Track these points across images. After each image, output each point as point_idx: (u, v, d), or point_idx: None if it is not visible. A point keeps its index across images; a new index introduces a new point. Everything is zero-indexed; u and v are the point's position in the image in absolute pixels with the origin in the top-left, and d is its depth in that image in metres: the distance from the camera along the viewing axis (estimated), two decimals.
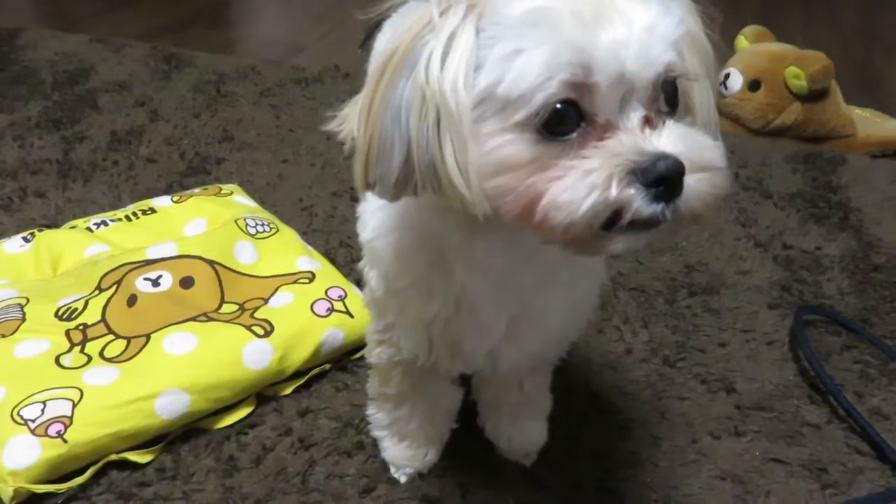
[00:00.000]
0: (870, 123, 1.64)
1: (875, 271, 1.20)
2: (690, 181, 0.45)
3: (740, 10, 2.34)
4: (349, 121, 0.52)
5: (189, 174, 1.38)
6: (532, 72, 0.44)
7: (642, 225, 0.45)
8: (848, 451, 0.89)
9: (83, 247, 1.02)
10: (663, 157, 0.44)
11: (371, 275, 0.67)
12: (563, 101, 0.44)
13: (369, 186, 0.50)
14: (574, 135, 0.45)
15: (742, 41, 1.72)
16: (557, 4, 0.45)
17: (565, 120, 0.45)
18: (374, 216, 0.65)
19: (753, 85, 1.60)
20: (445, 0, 0.47)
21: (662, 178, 0.44)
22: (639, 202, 0.44)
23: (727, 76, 1.65)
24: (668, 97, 0.48)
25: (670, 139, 0.46)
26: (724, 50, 0.53)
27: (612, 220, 0.45)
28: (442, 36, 0.46)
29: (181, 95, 1.68)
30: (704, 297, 1.13)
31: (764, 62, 1.61)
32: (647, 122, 0.46)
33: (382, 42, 0.91)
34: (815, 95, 1.55)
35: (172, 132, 1.53)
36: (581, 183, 0.44)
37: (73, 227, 1.07)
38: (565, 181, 0.44)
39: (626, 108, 0.46)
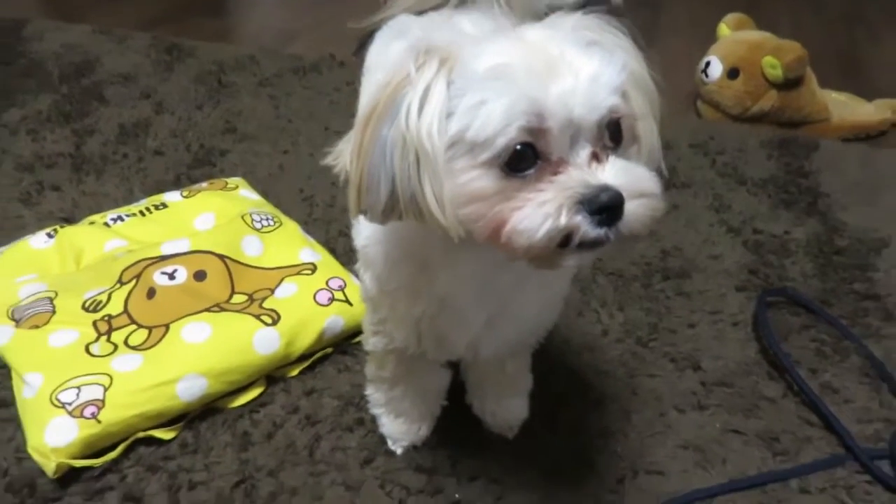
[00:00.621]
0: (843, 107, 1.72)
1: (837, 254, 1.28)
2: (630, 206, 0.54)
3: None
4: (343, 157, 0.61)
5: (195, 166, 1.46)
6: (494, 120, 0.52)
7: (590, 244, 0.54)
8: (799, 423, 0.99)
9: (102, 241, 1.11)
10: (605, 188, 0.53)
11: (365, 276, 0.76)
12: (521, 144, 0.53)
13: (361, 212, 0.59)
14: (531, 171, 0.54)
15: (723, 29, 1.79)
16: (515, 61, 0.53)
17: (524, 159, 0.53)
18: (367, 226, 0.73)
19: (732, 73, 1.67)
20: (422, 55, 0.55)
21: (605, 207, 0.53)
22: (585, 227, 0.53)
23: (707, 64, 1.72)
24: (612, 134, 0.56)
25: (612, 172, 0.54)
26: (666, 89, 0.61)
27: (565, 241, 0.54)
28: (418, 89, 0.54)
29: (184, 87, 1.75)
30: (677, 281, 1.22)
31: (742, 51, 1.67)
32: (595, 156, 0.55)
33: (371, 51, 0.99)
34: (790, 83, 1.62)
35: (177, 124, 1.60)
36: (537, 212, 0.52)
37: (91, 223, 1.16)
38: (524, 211, 0.53)
39: (576, 146, 0.54)
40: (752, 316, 1.15)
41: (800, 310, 1.17)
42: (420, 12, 0.97)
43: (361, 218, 0.74)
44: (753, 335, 1.12)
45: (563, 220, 0.52)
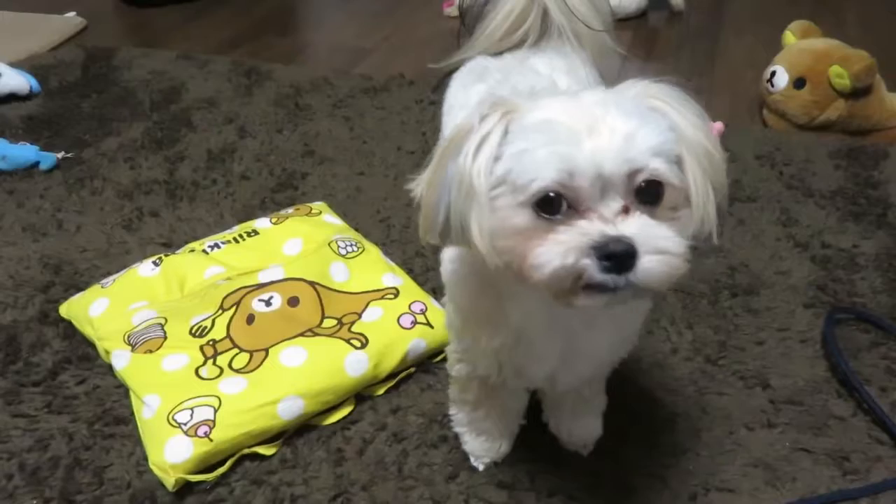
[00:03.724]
0: None
1: None
2: (644, 261, 0.58)
3: None
4: (421, 185, 0.69)
5: (279, 190, 1.55)
6: (531, 167, 0.59)
7: (599, 289, 0.59)
8: (869, 441, 1.01)
9: (202, 268, 1.21)
10: (618, 239, 0.58)
11: (450, 307, 0.84)
12: (552, 192, 0.59)
13: (424, 233, 0.67)
14: (559, 215, 0.60)
15: (789, 37, 1.79)
16: (561, 118, 0.60)
17: (553, 204, 0.59)
18: (450, 260, 0.81)
19: (798, 83, 1.67)
20: (489, 107, 0.63)
21: (612, 255, 0.57)
22: (591, 271, 0.58)
23: (773, 73, 1.73)
24: (650, 194, 0.60)
25: (631, 227, 0.58)
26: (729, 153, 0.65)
27: (577, 281, 0.59)
28: (477, 136, 0.62)
29: (263, 110, 1.85)
30: (745, 298, 1.25)
31: (809, 60, 1.68)
32: (625, 210, 0.60)
33: (451, 92, 1.05)
34: (858, 93, 1.62)
35: (260, 148, 1.70)
36: (552, 250, 0.58)
37: (192, 251, 1.26)
38: (542, 248, 0.59)
39: (606, 198, 0.59)
40: (820, 333, 1.17)
41: (869, 326, 1.18)
42: (497, 54, 1.03)
43: (447, 255, 0.81)
44: (822, 353, 1.15)
45: (570, 259, 0.58)
